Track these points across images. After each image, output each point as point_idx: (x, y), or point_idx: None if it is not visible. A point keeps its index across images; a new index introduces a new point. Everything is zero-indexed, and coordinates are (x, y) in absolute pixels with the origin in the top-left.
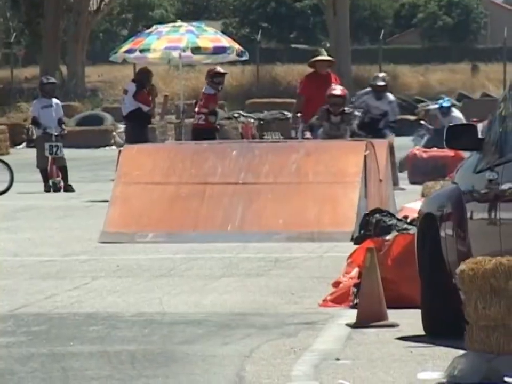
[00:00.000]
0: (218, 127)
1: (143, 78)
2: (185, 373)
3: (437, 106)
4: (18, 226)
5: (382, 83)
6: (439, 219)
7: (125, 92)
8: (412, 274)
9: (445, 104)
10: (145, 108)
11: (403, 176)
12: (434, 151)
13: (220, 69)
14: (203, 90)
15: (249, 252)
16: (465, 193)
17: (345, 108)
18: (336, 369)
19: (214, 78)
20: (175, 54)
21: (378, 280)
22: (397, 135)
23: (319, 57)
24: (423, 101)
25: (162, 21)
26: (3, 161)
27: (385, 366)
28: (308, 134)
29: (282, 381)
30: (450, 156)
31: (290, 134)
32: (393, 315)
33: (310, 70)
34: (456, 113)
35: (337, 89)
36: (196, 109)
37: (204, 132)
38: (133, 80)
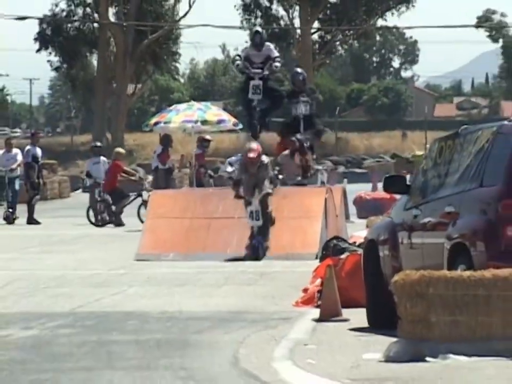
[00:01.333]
0: (209, 174)
1: (166, 141)
2: (196, 354)
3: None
4: (76, 249)
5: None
6: (379, 243)
7: (154, 152)
8: (360, 283)
9: None
10: (161, 166)
11: (353, 212)
12: (375, 194)
13: (208, 136)
14: (194, 151)
15: (243, 267)
16: (398, 225)
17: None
18: (305, 352)
19: (203, 142)
20: (189, 125)
21: (335, 287)
22: (348, 182)
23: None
24: (366, 159)
25: (179, 101)
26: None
27: (341, 349)
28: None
29: (266, 360)
30: (387, 197)
31: None
32: (346, 313)
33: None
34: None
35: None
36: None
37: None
38: (161, 143)
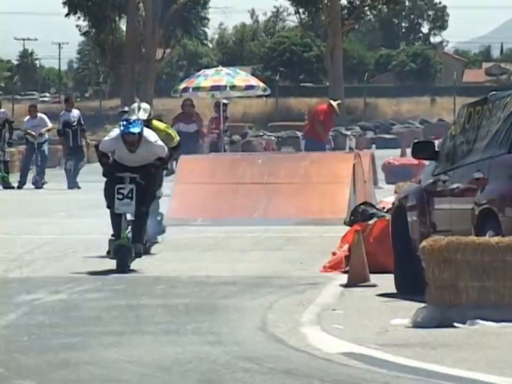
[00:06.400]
0: (231, 140)
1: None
2: (224, 319)
3: None
4: (105, 214)
5: None
6: (407, 209)
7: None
8: (387, 249)
9: None
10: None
11: (381, 178)
12: (404, 160)
13: (225, 100)
14: (212, 115)
15: (271, 232)
16: (426, 190)
17: None
18: (333, 317)
19: (221, 106)
20: (217, 92)
21: (363, 253)
22: (377, 148)
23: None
24: (395, 124)
25: (208, 66)
26: None
27: (368, 314)
28: None
29: (294, 325)
30: (415, 163)
31: (300, 147)
32: (373, 278)
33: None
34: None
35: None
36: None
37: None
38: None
